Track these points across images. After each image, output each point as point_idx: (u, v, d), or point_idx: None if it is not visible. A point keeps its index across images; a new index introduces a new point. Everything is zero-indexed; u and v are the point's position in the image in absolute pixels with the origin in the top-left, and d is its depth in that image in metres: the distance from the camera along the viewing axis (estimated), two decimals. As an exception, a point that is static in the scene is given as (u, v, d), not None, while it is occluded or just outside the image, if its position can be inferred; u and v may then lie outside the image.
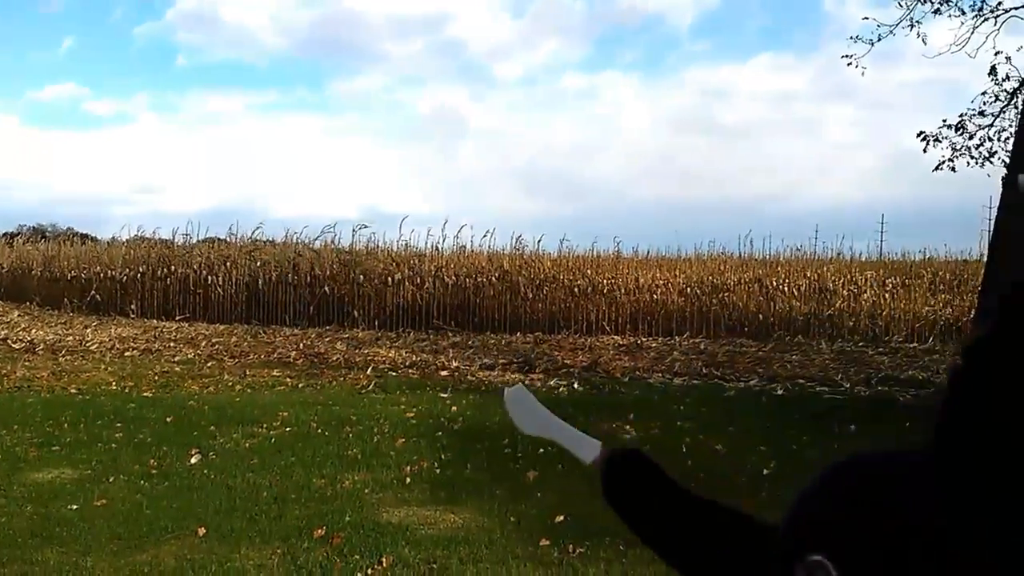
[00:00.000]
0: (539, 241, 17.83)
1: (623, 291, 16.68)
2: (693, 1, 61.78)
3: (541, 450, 6.47)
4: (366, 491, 5.30)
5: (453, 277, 16.56)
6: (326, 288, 16.36)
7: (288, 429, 7.00)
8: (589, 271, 17.11)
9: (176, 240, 18.19)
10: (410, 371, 10.57)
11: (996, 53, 9.94)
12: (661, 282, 16.91)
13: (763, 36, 63.02)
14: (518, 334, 15.26)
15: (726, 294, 16.41)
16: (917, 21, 10.53)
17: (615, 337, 15.41)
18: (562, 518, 4.77)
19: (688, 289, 16.60)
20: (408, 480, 5.54)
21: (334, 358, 11.39)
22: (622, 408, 8.21)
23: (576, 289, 16.57)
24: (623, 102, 62.28)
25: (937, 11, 10.53)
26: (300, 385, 9.35)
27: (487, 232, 17.74)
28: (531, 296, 16.45)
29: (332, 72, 67.93)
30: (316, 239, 17.81)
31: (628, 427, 7.42)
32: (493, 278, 16.63)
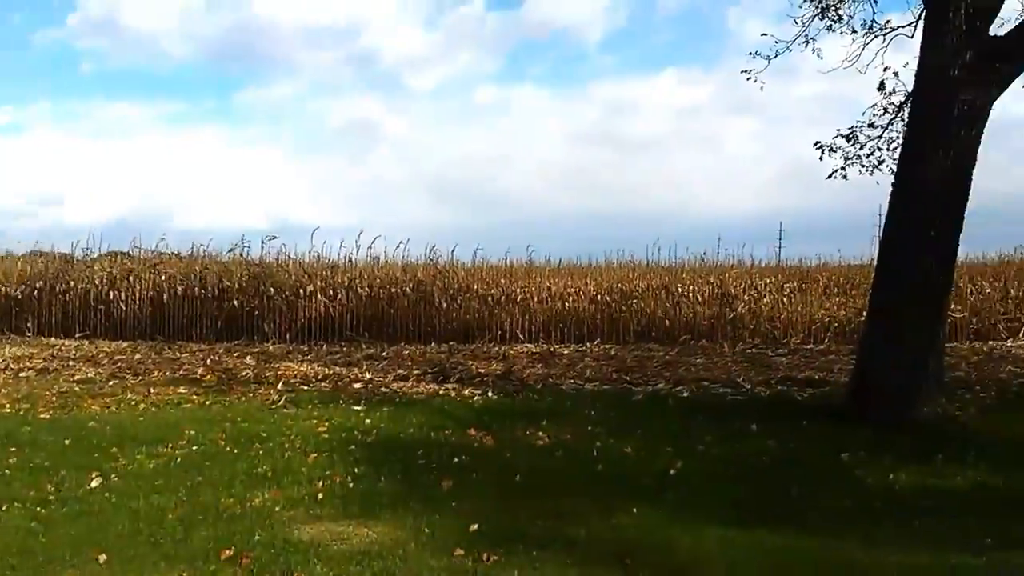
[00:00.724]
0: (453, 251, 17.87)
1: (536, 300, 16.89)
2: (602, 16, 62.99)
3: (456, 459, 6.53)
4: (277, 509, 5.23)
5: (367, 288, 16.42)
6: (235, 302, 15.97)
7: (195, 448, 6.84)
8: (503, 280, 17.25)
9: (76, 254, 17.41)
10: (322, 384, 10.44)
11: (884, 69, 10.47)
12: (572, 290, 17.19)
13: (669, 51, 64.76)
14: (433, 344, 15.26)
15: (635, 301, 16.80)
16: (812, 38, 11.02)
17: (528, 345, 15.58)
18: (477, 526, 4.82)
19: (599, 297, 16.93)
20: (320, 496, 5.50)
21: (243, 373, 11.14)
22: (535, 415, 8.34)
23: (490, 298, 16.68)
24: (534, 115, 62.99)
25: (830, 28, 11.04)
26: (207, 402, 9.12)
27: (401, 243, 17.67)
28: (445, 306, 16.46)
29: (241, 82, 66.25)
30: (225, 252, 17.38)
31: (541, 433, 7.54)
32: (407, 288, 16.57)
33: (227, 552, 4.41)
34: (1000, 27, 8.20)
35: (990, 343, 15.78)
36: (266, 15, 61.31)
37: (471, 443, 7.23)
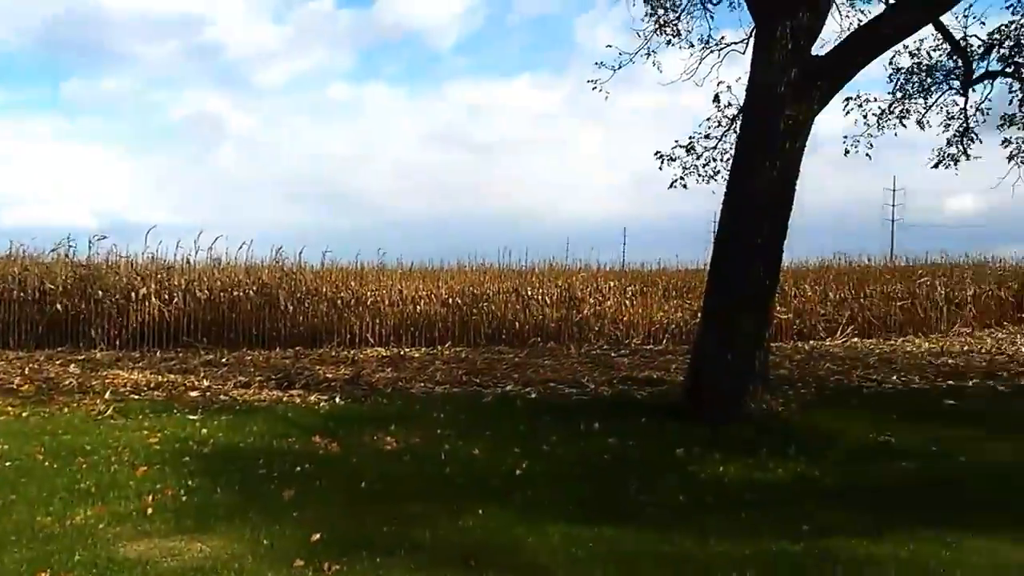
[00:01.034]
0: (300, 253, 17.34)
1: (387, 303, 16.69)
2: (456, 19, 63.38)
3: (299, 468, 6.34)
4: (101, 526, 4.88)
5: (206, 291, 15.63)
6: (58, 306, 14.78)
7: (8, 463, 6.28)
8: (352, 283, 16.93)
9: None
10: (155, 393, 9.84)
11: (719, 83, 11.12)
12: (424, 293, 17.12)
13: (524, 57, 66.08)
14: (277, 349, 14.74)
15: (485, 304, 16.96)
16: (652, 51, 11.53)
17: (379, 349, 15.38)
18: (319, 536, 4.69)
19: (450, 300, 16.95)
20: (150, 511, 5.17)
21: (66, 382, 10.33)
22: (384, 419, 8.22)
23: (339, 301, 16.32)
24: (389, 114, 62.50)
25: (669, 42, 11.58)
26: (25, 414, 8.40)
27: (244, 243, 16.93)
28: (292, 309, 15.95)
29: (71, 72, 61.64)
30: (47, 252, 16.04)
31: (389, 438, 7.45)
32: (251, 291, 15.93)
33: (43, 574, 4.07)
34: (821, 47, 8.90)
35: (811, 343, 17.04)
36: (101, 3, 57.44)
37: (316, 450, 7.04)
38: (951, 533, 4.80)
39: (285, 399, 9.65)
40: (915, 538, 4.75)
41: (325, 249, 17.77)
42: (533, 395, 10.06)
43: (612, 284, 18.34)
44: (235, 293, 15.79)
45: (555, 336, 16.67)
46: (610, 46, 11.55)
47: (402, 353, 14.68)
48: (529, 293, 17.36)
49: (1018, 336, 18.20)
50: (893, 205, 65.85)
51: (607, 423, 8.05)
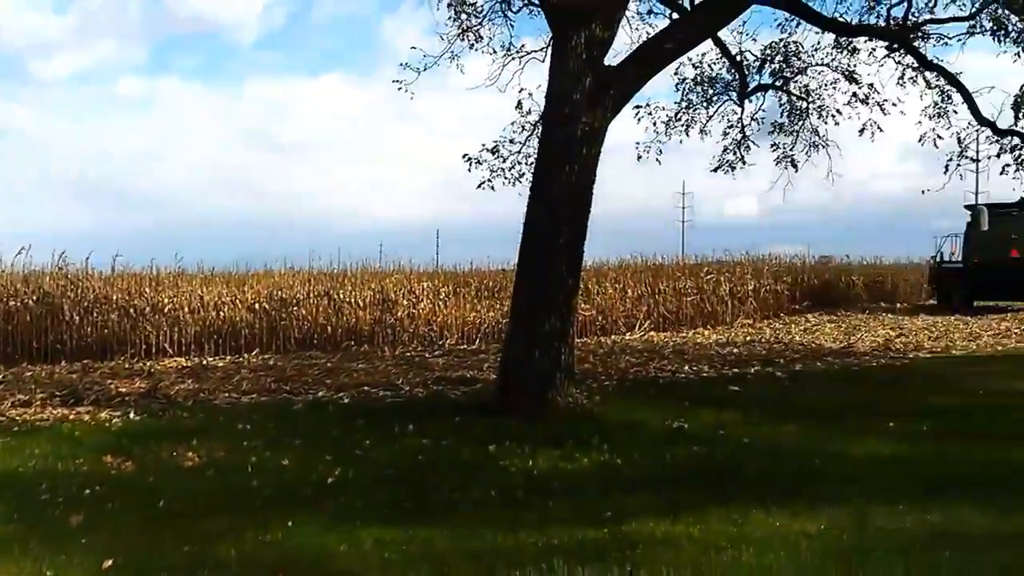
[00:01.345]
0: (87, 258, 16.00)
1: (187, 310, 15.79)
2: (258, 14, 60.94)
3: (88, 490, 5.87)
4: None
5: (-24, 303, 14.09)
6: None
7: None
8: (147, 289, 15.88)
9: None
10: (-86, 418, 8.76)
11: (521, 89, 11.48)
12: (228, 299, 16.37)
13: (331, 56, 64.68)
14: (63, 363, 13.53)
15: (295, 308, 16.48)
16: (456, 55, 11.70)
17: (178, 359, 14.53)
18: (111, 562, 4.38)
19: (257, 305, 16.31)
20: (-92, 551, 4.61)
21: None
22: (184, 434, 7.78)
23: (132, 310, 15.24)
24: (187, 111, 59.06)
25: (472, 47, 11.81)
26: None
27: (23, 249, 15.36)
28: (78, 320, 14.72)
29: None
30: None
31: (190, 453, 7.07)
32: (30, 301, 14.54)
33: None
34: (615, 58, 9.40)
35: (613, 337, 17.97)
36: None
37: (107, 471, 6.54)
38: (737, 510, 5.22)
39: (72, 417, 8.89)
40: (706, 517, 5.13)
41: (115, 254, 16.54)
42: (346, 400, 9.91)
43: (426, 285, 18.39)
44: (12, 303, 14.37)
45: (369, 339, 16.49)
46: (415, 48, 11.66)
47: (205, 363, 13.95)
48: (341, 296, 17.05)
49: (792, 326, 20.17)
50: (683, 207, 70.89)
51: (421, 424, 8.08)
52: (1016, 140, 11.50)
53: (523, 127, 11.82)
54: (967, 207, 24.93)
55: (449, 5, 11.18)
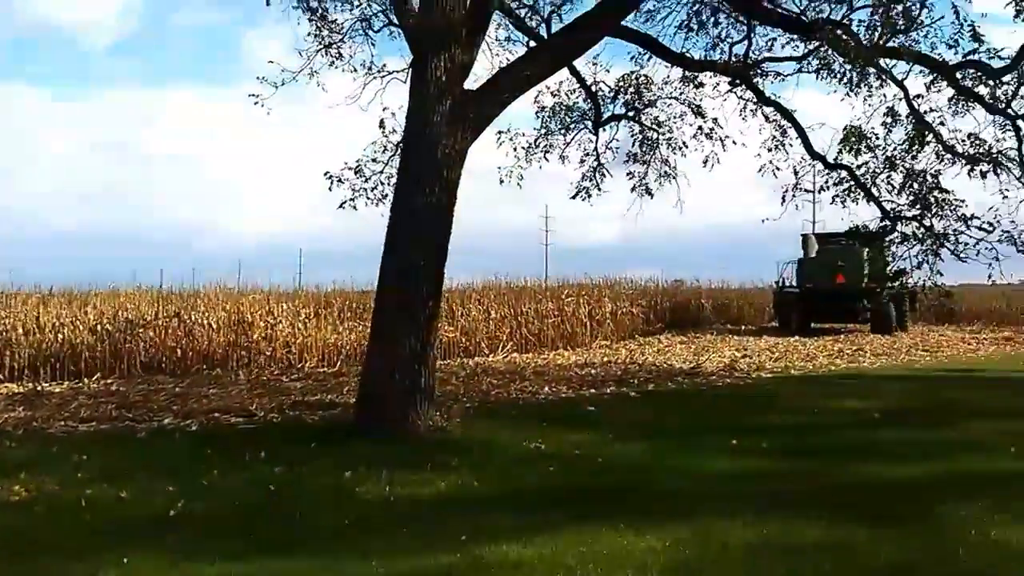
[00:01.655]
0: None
1: (20, 332, 14.66)
2: (113, 20, 57.83)
3: None
4: None
5: None
6: None
7: None
8: (-27, 311, 14.64)
9: None
10: None
11: (384, 109, 11.44)
12: (68, 320, 15.32)
13: (190, 66, 62.13)
14: None
15: (142, 329, 15.60)
16: (316, 71, 11.53)
17: (9, 385, 13.46)
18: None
19: (99, 327, 15.33)
20: None
21: None
22: (11, 466, 7.19)
23: (-44, 332, 14.00)
24: (33, 118, 54.99)
25: (332, 64, 11.68)
26: None
27: None
28: None
29: None
30: None
31: (18, 487, 6.54)
32: None
33: None
34: (475, 82, 9.53)
35: (476, 359, 18.07)
36: None
37: (-82, 510, 5.96)
38: (589, 529, 5.34)
39: None
40: (559, 537, 5.21)
41: (-66, 272, 15.19)
42: (194, 427, 9.44)
43: (285, 307, 17.89)
44: None
45: (222, 363, 15.82)
46: (272, 62, 11.42)
47: (39, 388, 12.97)
48: (193, 317, 16.29)
49: (647, 347, 20.96)
50: (547, 231, 72.51)
51: (275, 451, 7.80)
52: (844, 173, 12.50)
53: (385, 147, 11.79)
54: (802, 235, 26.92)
55: (310, 21, 11.05)
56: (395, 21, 10.38)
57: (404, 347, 8.48)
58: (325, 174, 11.55)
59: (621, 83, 12.78)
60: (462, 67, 8.80)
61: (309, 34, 11.24)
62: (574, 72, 12.38)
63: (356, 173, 11.83)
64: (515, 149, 13.17)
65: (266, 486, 6.71)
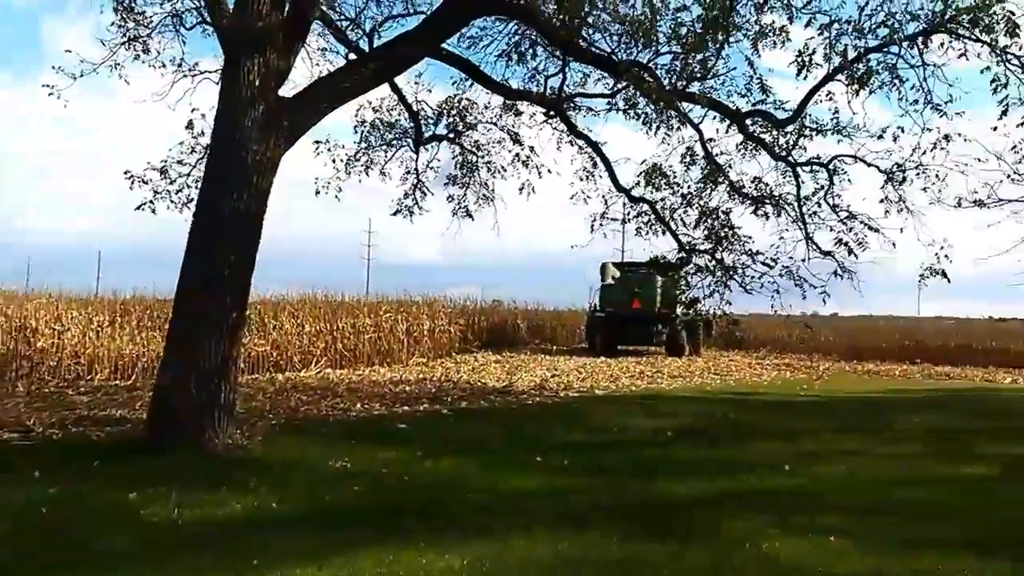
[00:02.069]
0: None
1: None
2: None
3: None
4: None
5: None
6: None
7: None
8: None
9: None
10: None
11: (193, 109, 10.92)
12: None
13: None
14: None
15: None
16: (120, 64, 10.84)
17: None
18: None
19: None
20: None
21: None
22: None
23: None
24: None
25: (137, 58, 11.02)
26: None
27: None
28: None
29: None
30: None
31: None
32: None
33: None
34: (292, 89, 9.31)
35: (287, 374, 17.51)
36: None
37: None
38: (390, 549, 5.30)
39: None
40: (358, 558, 5.14)
41: None
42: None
43: (76, 313, 16.51)
44: None
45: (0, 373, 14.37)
46: (69, 51, 10.60)
47: None
48: (-36, 322, 14.70)
49: (463, 365, 21.18)
50: (368, 245, 71.86)
51: (52, 470, 7.17)
52: (645, 207, 13.30)
53: (193, 149, 11.26)
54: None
55: (115, 10, 10.38)
56: (208, 19, 9.96)
57: (203, 359, 8.08)
58: (126, 173, 10.86)
59: (444, 105, 12.95)
60: (278, 73, 8.56)
61: (114, 24, 10.55)
62: (395, 89, 12.41)
63: (161, 174, 11.21)
64: (334, 161, 12.98)
65: (38, 509, 6.15)
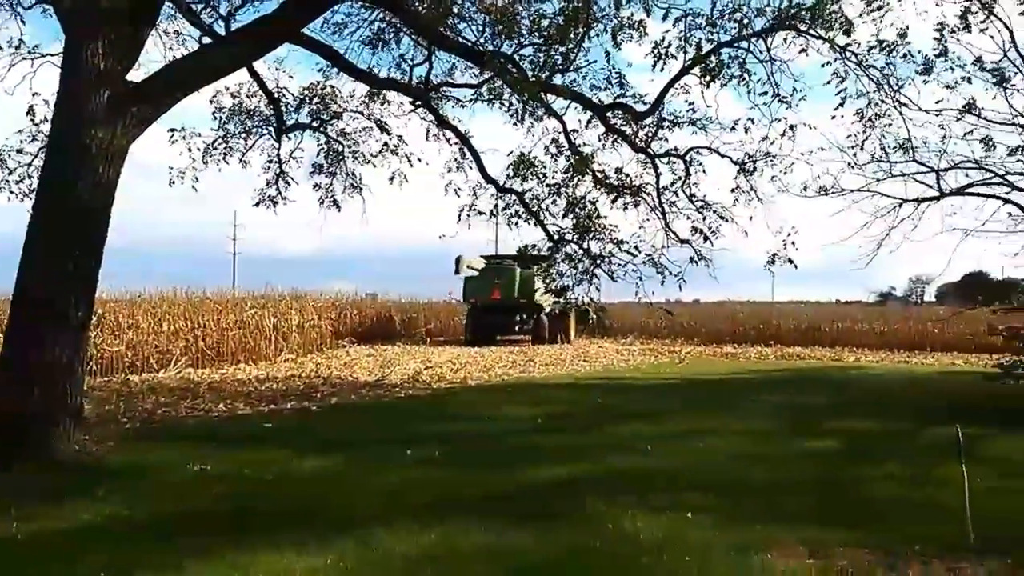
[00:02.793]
0: None
1: None
2: None
3: None
4: None
5: None
6: None
7: None
8: None
9: None
10: None
11: (34, 94, 10.22)
12: None
13: None
14: None
15: None
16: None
17: None
18: None
19: None
20: None
21: None
22: None
23: None
24: None
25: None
26: None
27: None
28: None
29: None
30: None
31: None
32: None
33: None
34: (141, 74, 8.80)
35: (144, 375, 16.60)
36: None
37: None
38: (248, 552, 5.12)
39: None
40: (213, 563, 4.93)
41: None
42: None
43: None
44: None
45: None
46: None
47: None
48: None
49: (334, 360, 20.78)
50: (234, 239, 69.35)
51: None
52: (514, 197, 13.42)
53: (35, 136, 10.52)
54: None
55: (-63, -15, 9.53)
56: (48, -1, 9.29)
57: (46, 360, 7.53)
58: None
59: (306, 92, 12.59)
60: (125, 56, 8.05)
61: (-65, -2, 9.68)
62: (255, 75, 11.96)
63: (-1, 163, 10.43)
64: (190, 150, 12.40)
65: None
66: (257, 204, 13.22)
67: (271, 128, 12.69)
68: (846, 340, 28.88)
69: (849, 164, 12.75)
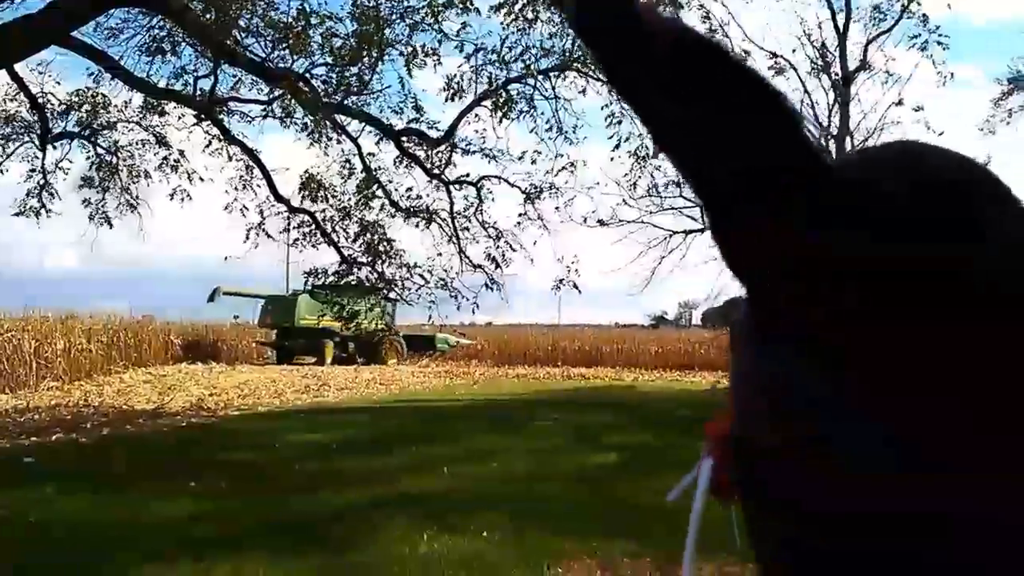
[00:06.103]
0: None
1: None
2: None
3: None
4: None
5: None
6: None
7: None
8: None
9: None
10: None
11: None
12: None
13: None
14: None
15: None
16: None
17: None
18: None
19: None
20: None
21: None
22: None
23: None
24: None
25: None
26: None
27: None
28: None
29: None
30: None
31: None
32: None
33: None
34: None
35: None
36: None
37: None
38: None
39: None
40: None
41: None
42: None
43: None
44: None
45: None
46: None
47: None
48: None
49: (106, 387, 19.16)
50: (-12, 254, 62.30)
51: None
52: (306, 217, 13.15)
53: None
54: None
55: None
56: None
57: None
58: None
59: (74, 99, 11.62)
60: None
61: None
62: (15, 78, 10.88)
63: None
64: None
65: None
66: (17, 214, 12.00)
67: (34, 135, 11.59)
68: (626, 360, 30.81)
69: (623, 200, 13.81)
